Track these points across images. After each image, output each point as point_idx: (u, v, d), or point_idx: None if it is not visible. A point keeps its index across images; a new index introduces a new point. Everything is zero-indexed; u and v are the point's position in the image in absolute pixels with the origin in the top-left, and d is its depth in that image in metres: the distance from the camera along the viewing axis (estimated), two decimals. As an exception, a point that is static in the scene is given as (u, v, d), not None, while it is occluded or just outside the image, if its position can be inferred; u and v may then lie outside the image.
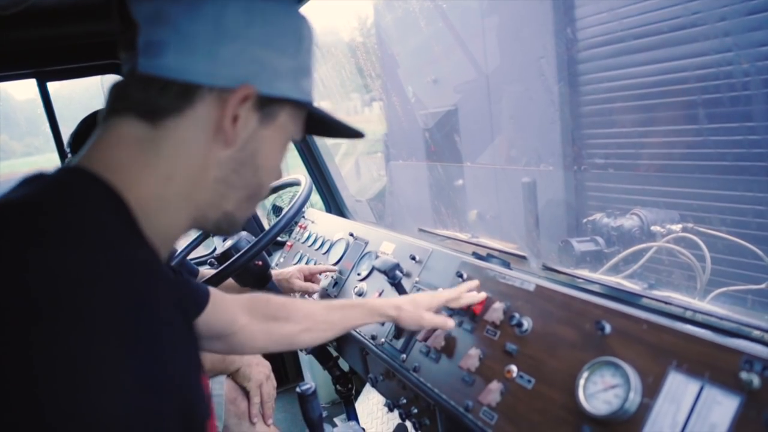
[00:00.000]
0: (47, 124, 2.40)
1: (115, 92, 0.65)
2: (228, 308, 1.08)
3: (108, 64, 2.40)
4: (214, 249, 1.66)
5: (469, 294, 1.27)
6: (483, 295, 1.27)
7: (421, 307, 1.23)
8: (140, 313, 0.54)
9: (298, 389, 1.25)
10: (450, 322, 1.25)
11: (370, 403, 2.35)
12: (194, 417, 0.59)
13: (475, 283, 1.31)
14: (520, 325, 1.12)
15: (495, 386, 1.09)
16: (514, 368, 1.09)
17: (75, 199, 0.58)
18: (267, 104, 0.69)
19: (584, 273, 1.38)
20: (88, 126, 1.58)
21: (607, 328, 0.96)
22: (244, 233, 1.67)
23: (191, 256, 1.91)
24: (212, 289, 1.04)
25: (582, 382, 0.93)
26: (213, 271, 2.05)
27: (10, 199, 0.57)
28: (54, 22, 2.16)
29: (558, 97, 4.24)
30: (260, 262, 1.61)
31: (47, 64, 2.37)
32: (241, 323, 1.11)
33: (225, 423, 1.56)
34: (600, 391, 0.90)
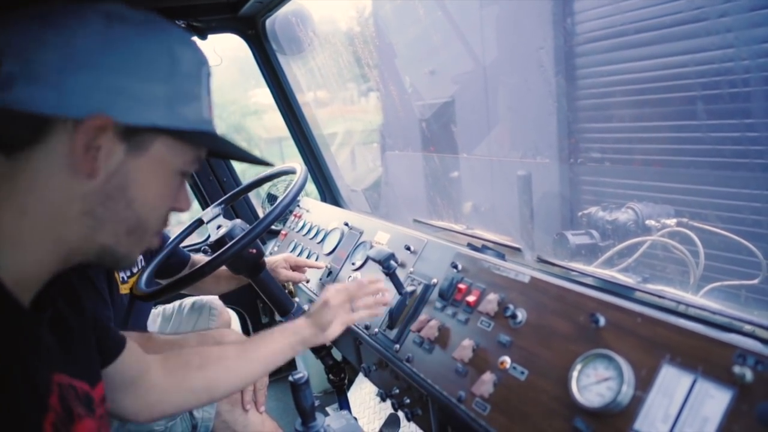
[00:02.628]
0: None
1: None
2: (141, 358, 1.03)
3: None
4: (208, 236, 1.64)
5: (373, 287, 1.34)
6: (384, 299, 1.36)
7: (323, 327, 1.26)
8: None
9: (290, 378, 1.24)
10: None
11: (363, 392, 2.35)
12: None
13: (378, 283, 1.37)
14: (514, 316, 1.12)
15: (488, 377, 1.09)
16: (507, 359, 1.09)
17: None
18: (134, 134, 0.65)
19: (579, 266, 1.38)
20: None
21: (601, 320, 0.96)
22: (238, 221, 1.66)
23: (184, 243, 1.89)
24: (128, 340, 0.99)
25: (575, 374, 0.93)
26: (206, 258, 2.05)
27: None
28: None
29: (555, 89, 4.23)
30: (254, 250, 1.60)
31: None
32: (154, 374, 1.05)
33: (217, 410, 1.56)
34: (593, 383, 0.91)
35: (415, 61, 5.46)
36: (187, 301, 2.08)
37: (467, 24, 5.11)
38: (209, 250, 1.70)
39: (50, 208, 0.64)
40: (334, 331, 1.28)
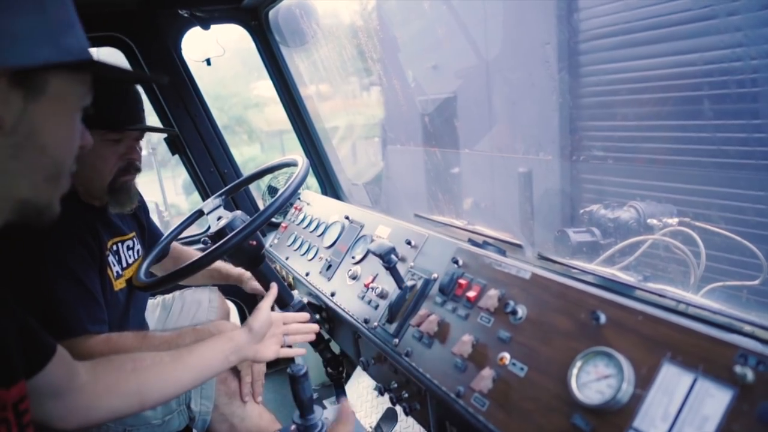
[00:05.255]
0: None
1: None
2: (70, 365, 0.98)
3: (109, 36, 2.36)
4: (208, 227, 1.64)
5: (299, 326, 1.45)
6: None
7: (258, 334, 1.31)
8: None
9: (289, 370, 1.24)
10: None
11: (360, 386, 2.35)
12: None
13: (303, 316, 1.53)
14: (514, 312, 1.12)
15: (487, 373, 1.09)
16: (507, 355, 1.09)
17: None
18: (27, 77, 0.60)
19: (579, 263, 1.37)
20: None
21: (602, 318, 0.95)
22: (239, 212, 1.65)
23: (183, 234, 1.89)
24: (59, 348, 0.95)
25: (575, 371, 0.93)
26: (196, 253, 2.04)
27: None
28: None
29: (559, 85, 4.21)
30: (254, 242, 1.59)
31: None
32: (83, 379, 1.01)
33: (215, 402, 1.56)
34: (593, 380, 0.90)
35: (417, 55, 5.44)
36: (187, 292, 2.08)
37: (470, 19, 5.08)
38: (209, 242, 1.70)
39: None
40: (269, 348, 1.34)
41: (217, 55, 2.52)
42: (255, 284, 1.98)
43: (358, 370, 2.43)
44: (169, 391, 1.16)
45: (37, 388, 0.87)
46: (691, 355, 0.81)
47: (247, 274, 2.04)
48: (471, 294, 1.25)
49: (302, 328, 1.47)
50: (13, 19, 0.58)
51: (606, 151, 3.53)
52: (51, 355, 0.92)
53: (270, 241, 2.36)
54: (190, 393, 1.54)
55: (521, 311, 1.12)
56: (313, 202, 2.30)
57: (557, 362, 0.99)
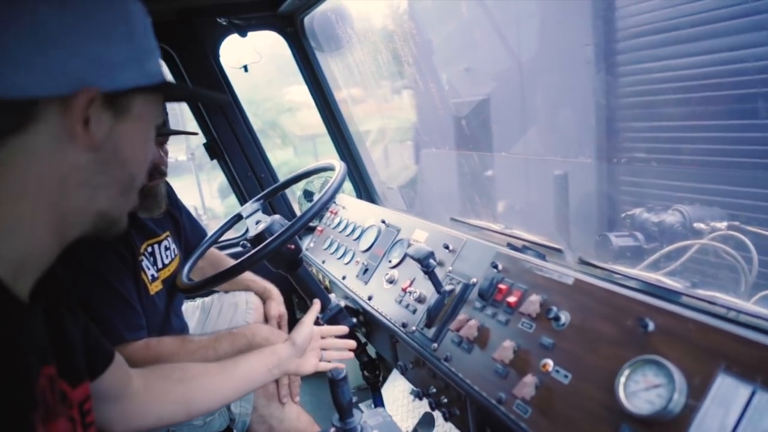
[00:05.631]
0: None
1: None
2: (126, 371, 1.04)
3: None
4: (246, 231, 1.66)
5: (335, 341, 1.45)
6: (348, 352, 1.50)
7: (300, 349, 1.34)
8: None
9: (329, 374, 1.25)
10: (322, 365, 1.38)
11: (396, 390, 2.35)
12: None
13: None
14: (557, 318, 1.10)
15: (530, 380, 1.07)
16: (550, 362, 1.07)
17: None
18: (116, 99, 0.67)
19: (623, 268, 1.34)
20: None
21: (651, 325, 0.93)
22: (277, 216, 1.68)
23: (223, 237, 1.92)
24: (117, 355, 1.00)
25: (622, 379, 0.90)
26: (227, 257, 2.07)
27: None
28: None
29: (597, 86, 4.13)
30: (293, 246, 1.61)
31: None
32: (135, 386, 1.06)
33: (254, 404, 1.58)
34: (642, 390, 0.88)
35: (450, 58, 5.41)
36: (225, 296, 2.12)
37: (504, 19, 5.03)
38: (248, 245, 1.73)
39: (49, 187, 0.64)
40: (309, 362, 1.36)
41: (253, 62, 2.56)
42: (274, 310, 2.01)
43: (394, 374, 2.42)
44: (214, 402, 1.21)
45: (97, 392, 0.91)
46: (748, 366, 0.78)
47: (275, 291, 2.06)
48: (511, 299, 1.23)
49: (338, 343, 1.48)
50: (108, 48, 0.65)
51: (648, 153, 3.44)
52: (110, 361, 0.97)
53: (306, 244, 2.39)
54: None
55: (564, 317, 1.10)
56: (349, 206, 2.31)
57: (603, 370, 0.96)
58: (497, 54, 5.03)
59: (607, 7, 4.33)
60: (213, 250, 2.15)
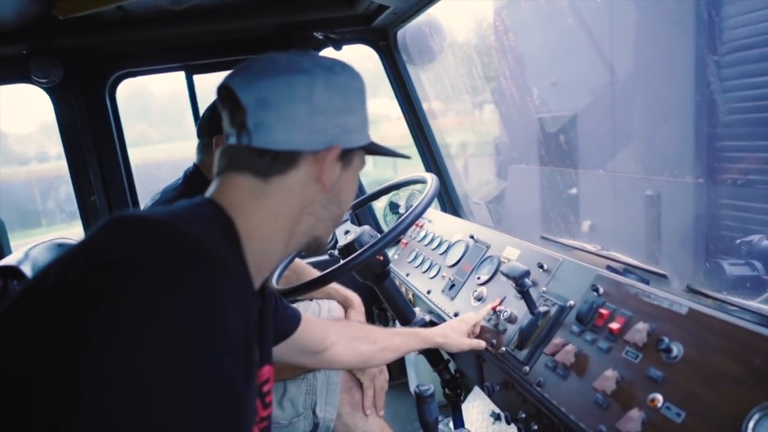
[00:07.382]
0: (179, 115, 2.63)
1: (228, 155, 0.83)
2: (318, 328, 1.30)
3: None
4: (335, 240, 1.69)
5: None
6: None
7: (460, 333, 1.49)
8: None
9: (416, 389, 1.23)
10: (482, 343, 1.49)
11: (474, 411, 2.28)
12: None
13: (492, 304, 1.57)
14: (668, 350, 1.02)
15: (636, 414, 1.00)
16: (659, 397, 0.99)
17: (216, 233, 0.76)
18: (347, 155, 0.88)
19: (742, 300, 1.22)
20: (211, 114, 1.67)
21: (785, 366, 0.83)
22: (366, 227, 1.69)
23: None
24: (303, 314, 1.24)
25: (752, 424, 0.82)
26: (308, 266, 2.10)
27: (188, 234, 0.71)
28: (205, 20, 2.34)
29: (696, 103, 3.89)
30: (381, 257, 1.61)
31: (194, 59, 2.58)
32: (330, 341, 1.33)
33: (339, 412, 1.59)
34: (775, 437, 0.79)
35: (537, 72, 5.30)
36: (308, 303, 2.16)
37: (596, 33, 4.87)
38: (336, 254, 1.75)
39: (292, 213, 0.85)
40: (465, 341, 1.49)
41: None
42: (355, 319, 2.00)
43: (472, 394, 2.36)
44: (386, 360, 1.47)
45: (294, 348, 1.21)
46: None
47: (357, 301, 2.06)
48: (614, 326, 1.16)
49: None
50: (350, 116, 0.86)
51: (757, 174, 3.17)
52: (297, 323, 1.22)
53: (391, 255, 2.39)
54: (316, 397, 1.59)
55: (677, 349, 1.02)
56: (435, 219, 2.29)
57: (725, 411, 0.88)
58: (589, 68, 4.87)
59: (709, 19, 4.09)
60: (296, 259, 2.20)
